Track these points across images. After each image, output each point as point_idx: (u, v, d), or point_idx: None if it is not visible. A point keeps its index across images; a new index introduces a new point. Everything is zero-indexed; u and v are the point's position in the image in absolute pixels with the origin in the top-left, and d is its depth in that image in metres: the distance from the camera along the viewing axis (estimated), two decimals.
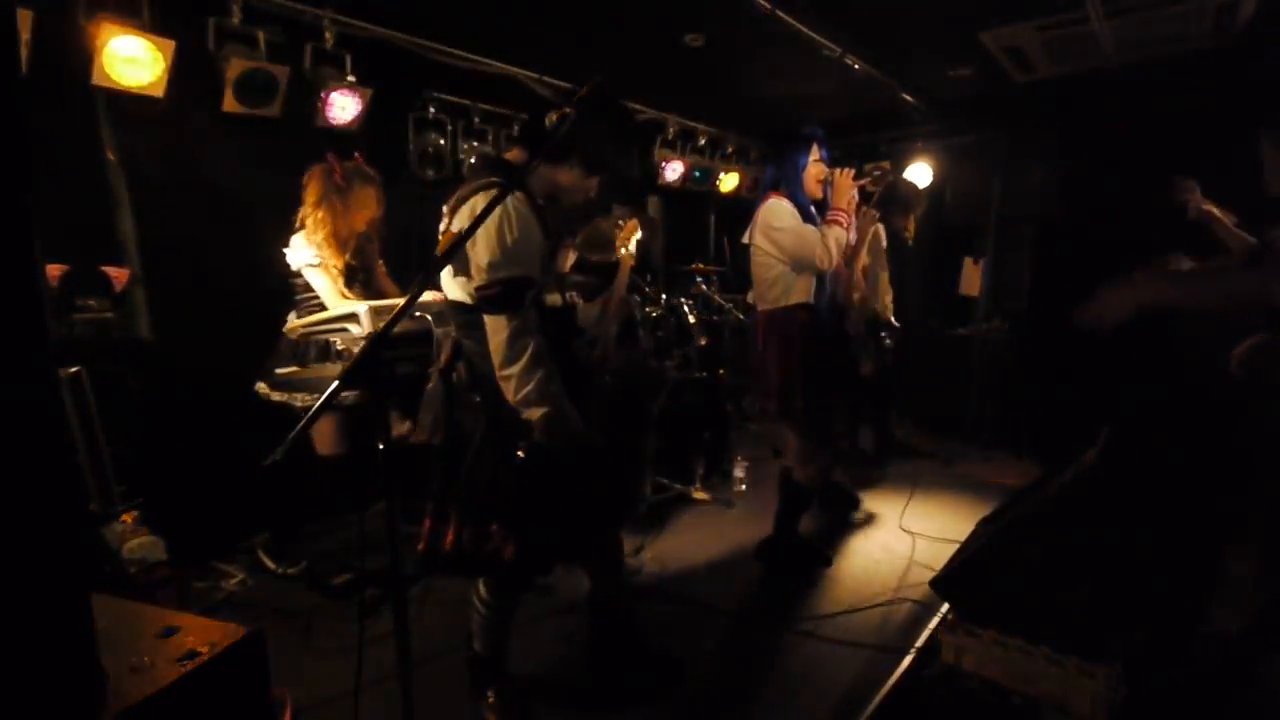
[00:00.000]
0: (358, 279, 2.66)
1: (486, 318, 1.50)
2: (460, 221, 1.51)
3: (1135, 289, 1.49)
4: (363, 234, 2.65)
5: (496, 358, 1.50)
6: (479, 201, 1.49)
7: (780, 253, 2.47)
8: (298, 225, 2.56)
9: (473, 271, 1.50)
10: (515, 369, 1.49)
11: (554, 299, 1.71)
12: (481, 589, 1.79)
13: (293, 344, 2.52)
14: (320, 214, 2.52)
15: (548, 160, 1.63)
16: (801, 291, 2.50)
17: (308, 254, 2.51)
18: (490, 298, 1.48)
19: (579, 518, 1.71)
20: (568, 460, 1.59)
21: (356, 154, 2.68)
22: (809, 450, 2.60)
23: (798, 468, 2.65)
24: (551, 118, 1.56)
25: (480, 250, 1.47)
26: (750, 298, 2.74)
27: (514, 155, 1.69)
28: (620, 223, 2.04)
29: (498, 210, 1.45)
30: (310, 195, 2.54)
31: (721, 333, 4.77)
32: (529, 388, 1.49)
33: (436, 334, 2.00)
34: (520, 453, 1.57)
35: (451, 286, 1.59)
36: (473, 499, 1.60)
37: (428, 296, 1.99)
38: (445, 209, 1.63)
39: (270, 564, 2.77)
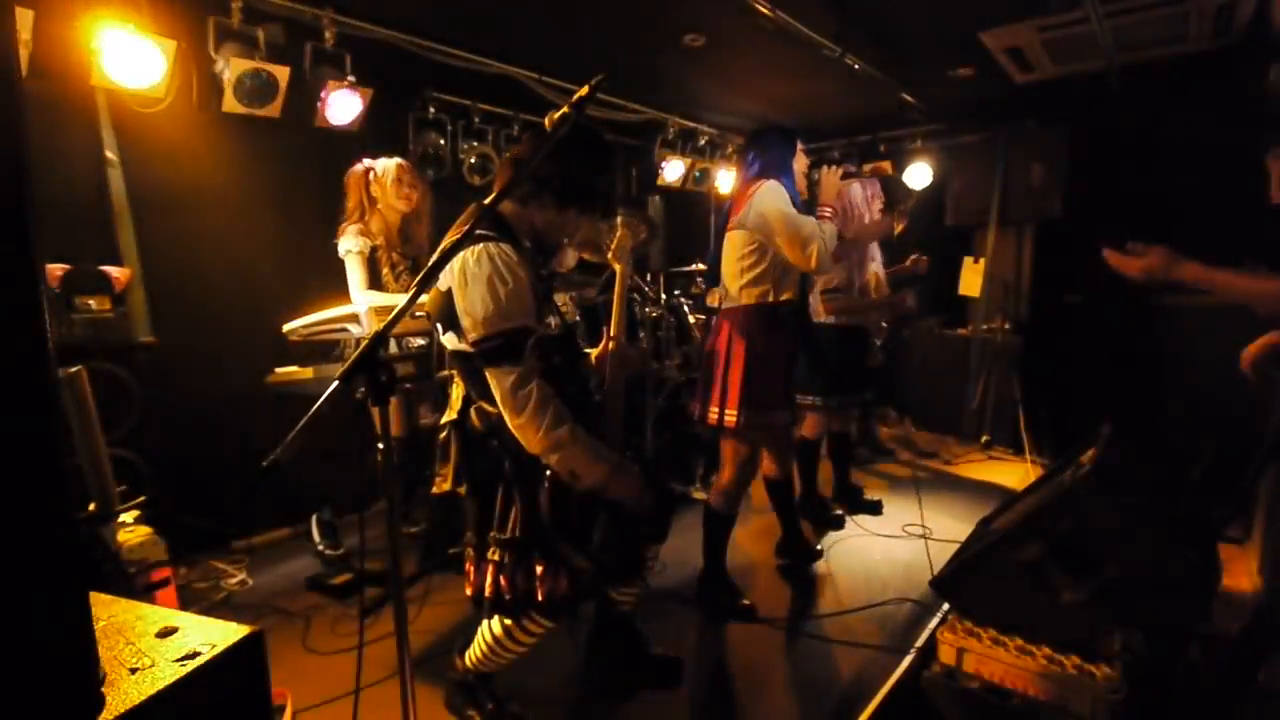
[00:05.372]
0: (406, 270, 2.75)
1: (487, 370, 1.50)
2: (448, 279, 1.51)
3: (1176, 265, 1.52)
4: (408, 220, 2.76)
5: (502, 408, 1.50)
6: (468, 258, 1.48)
7: (777, 239, 2.28)
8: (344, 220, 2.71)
9: (466, 325, 1.49)
10: (523, 418, 1.49)
11: (553, 325, 1.70)
12: (498, 625, 1.71)
13: None
14: (356, 207, 2.68)
15: (519, 202, 1.63)
16: (789, 288, 2.39)
17: (347, 242, 2.63)
18: (489, 351, 1.48)
19: (621, 536, 1.69)
20: (601, 487, 1.59)
21: (402, 160, 2.79)
22: (731, 470, 2.43)
23: (714, 491, 2.49)
24: (552, 117, 1.56)
25: (475, 304, 1.46)
26: (718, 295, 2.57)
27: (507, 208, 1.66)
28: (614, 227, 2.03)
29: (486, 263, 1.46)
30: (349, 191, 2.69)
31: None
32: (541, 434, 1.49)
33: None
34: (546, 483, 1.58)
35: (447, 339, 1.59)
36: (512, 543, 1.59)
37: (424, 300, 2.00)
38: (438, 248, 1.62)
39: (317, 539, 2.90)
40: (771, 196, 2.31)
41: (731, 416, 2.33)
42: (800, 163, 2.51)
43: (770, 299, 2.38)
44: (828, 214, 2.43)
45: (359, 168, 2.70)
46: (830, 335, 3.13)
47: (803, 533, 2.94)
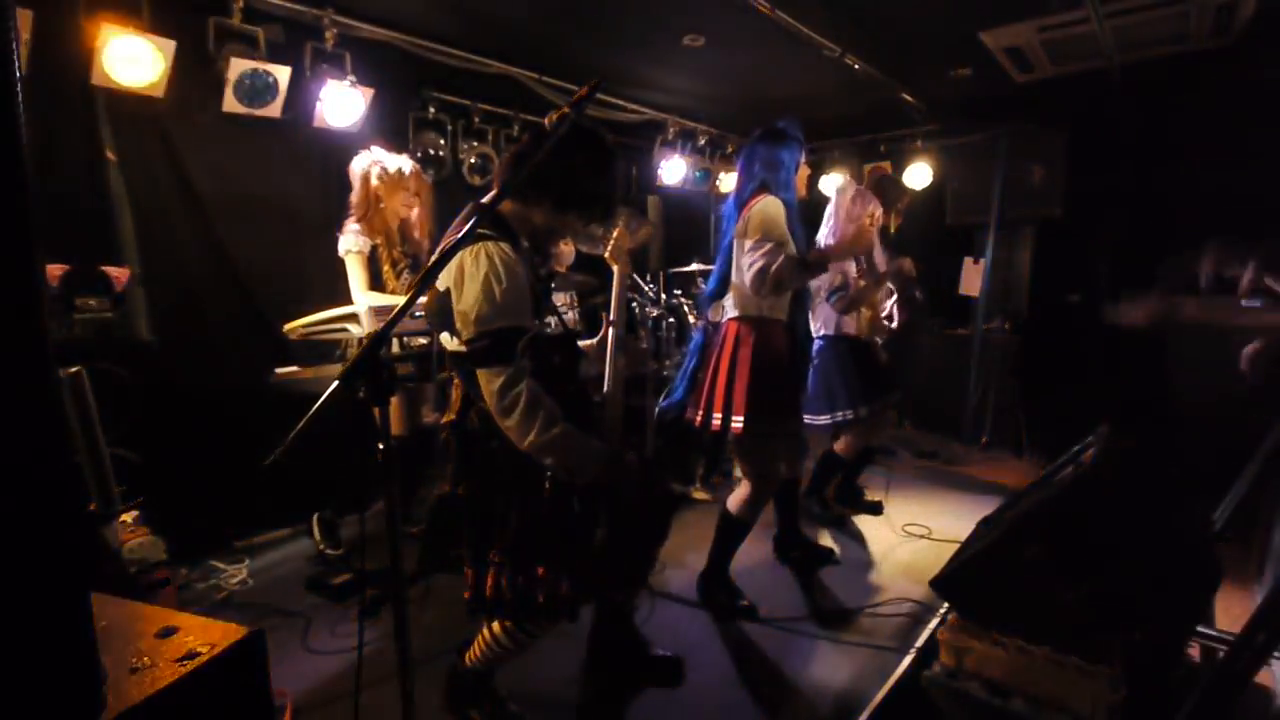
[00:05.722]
0: (407, 268, 2.73)
1: (477, 371, 1.49)
2: (446, 279, 1.50)
3: (1175, 306, 1.52)
4: (409, 225, 2.74)
5: (492, 409, 1.50)
6: (466, 258, 1.47)
7: (745, 241, 2.31)
8: (348, 214, 2.68)
9: (460, 325, 1.49)
10: (513, 419, 1.48)
11: (552, 325, 1.70)
12: (499, 626, 1.71)
13: None
14: (360, 201, 2.63)
15: (519, 201, 1.62)
16: (784, 307, 2.39)
17: (346, 242, 2.61)
18: (480, 350, 1.47)
19: (626, 535, 1.69)
20: (600, 486, 1.59)
21: (405, 152, 2.79)
22: (750, 479, 2.43)
23: (735, 497, 2.48)
24: (551, 117, 1.56)
25: (470, 303, 1.45)
26: (721, 309, 2.54)
27: (506, 207, 1.64)
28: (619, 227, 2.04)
29: (484, 261, 1.45)
30: (355, 184, 2.65)
31: None
32: (531, 436, 1.48)
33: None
34: (547, 485, 1.57)
35: (447, 340, 1.59)
36: (513, 546, 1.59)
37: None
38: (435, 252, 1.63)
39: (317, 538, 2.89)
40: (769, 210, 2.29)
41: (738, 424, 2.29)
42: (803, 172, 2.50)
43: (770, 314, 2.38)
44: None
45: (363, 160, 2.65)
46: (843, 345, 3.08)
47: (800, 533, 2.94)
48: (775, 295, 2.28)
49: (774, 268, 2.20)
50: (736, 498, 2.46)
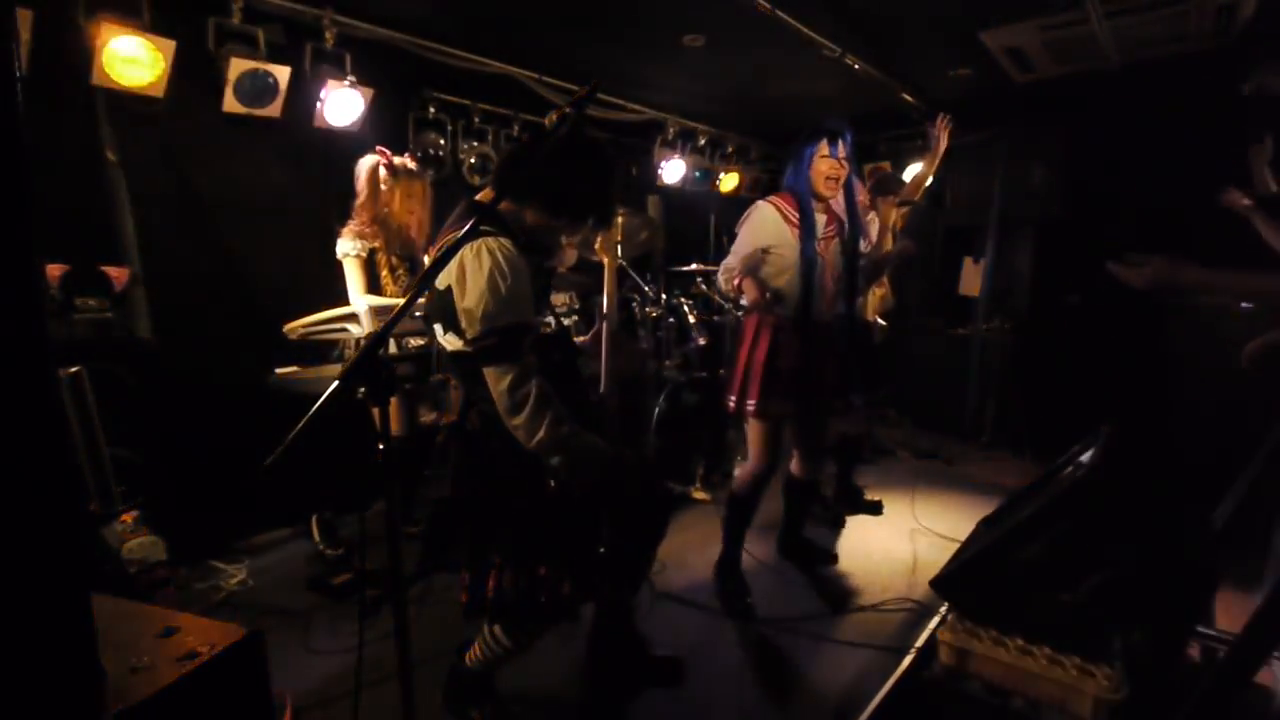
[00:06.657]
0: (406, 272, 2.72)
1: (485, 369, 1.48)
2: (446, 277, 1.48)
3: (1179, 271, 1.50)
4: (408, 227, 2.71)
5: (500, 407, 1.49)
6: (467, 255, 1.45)
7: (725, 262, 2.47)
8: (351, 217, 2.65)
9: (464, 324, 1.47)
10: (521, 417, 1.47)
11: (547, 325, 1.70)
12: (500, 626, 1.70)
13: None
14: (366, 203, 2.60)
15: (514, 202, 1.60)
16: (791, 300, 2.40)
17: (345, 245, 2.58)
18: (488, 348, 1.46)
19: (626, 536, 1.69)
20: (601, 486, 1.58)
21: (407, 152, 2.77)
22: (754, 455, 2.49)
23: (737, 476, 2.57)
24: (551, 117, 1.56)
25: (474, 300, 1.44)
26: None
27: (504, 206, 1.61)
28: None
29: (487, 259, 1.44)
30: (361, 187, 2.61)
31: (721, 333, 4.76)
32: (540, 434, 1.47)
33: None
34: (551, 483, 1.56)
35: (446, 341, 1.58)
36: (515, 546, 1.58)
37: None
38: (428, 253, 1.62)
39: (317, 539, 2.89)
40: (751, 219, 2.42)
41: (742, 405, 2.46)
42: (823, 166, 2.33)
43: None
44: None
45: (370, 160, 2.61)
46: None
47: (803, 534, 2.94)
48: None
49: (730, 280, 2.39)
50: (737, 476, 2.59)
